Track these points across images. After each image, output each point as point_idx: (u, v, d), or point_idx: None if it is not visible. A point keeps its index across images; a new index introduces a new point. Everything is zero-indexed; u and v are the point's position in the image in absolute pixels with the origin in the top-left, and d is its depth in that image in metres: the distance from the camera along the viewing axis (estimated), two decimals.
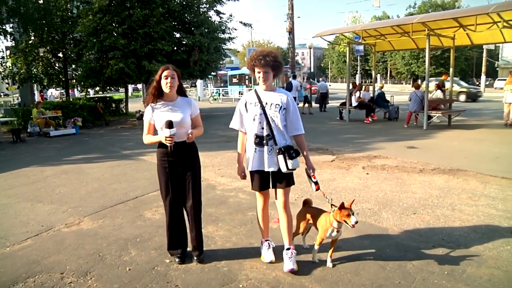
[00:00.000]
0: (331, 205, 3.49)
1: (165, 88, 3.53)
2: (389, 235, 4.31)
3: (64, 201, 5.89)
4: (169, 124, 3.38)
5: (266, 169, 3.46)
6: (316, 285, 3.28)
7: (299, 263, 3.57)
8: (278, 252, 3.70)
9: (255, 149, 3.47)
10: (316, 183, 3.43)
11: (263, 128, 3.43)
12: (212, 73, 21.38)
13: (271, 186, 3.57)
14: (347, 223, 3.32)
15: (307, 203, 3.91)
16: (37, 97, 23.72)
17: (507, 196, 5.54)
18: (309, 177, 3.51)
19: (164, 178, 3.66)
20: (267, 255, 3.70)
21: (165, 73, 3.53)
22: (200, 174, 3.80)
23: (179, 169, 3.62)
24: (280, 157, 3.35)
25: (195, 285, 3.34)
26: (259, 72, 3.39)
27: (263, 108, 3.42)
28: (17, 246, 4.29)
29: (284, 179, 3.47)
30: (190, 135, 3.50)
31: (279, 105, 3.41)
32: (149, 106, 3.61)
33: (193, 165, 3.70)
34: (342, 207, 3.34)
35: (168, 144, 3.43)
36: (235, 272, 3.54)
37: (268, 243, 3.73)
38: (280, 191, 3.53)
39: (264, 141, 3.43)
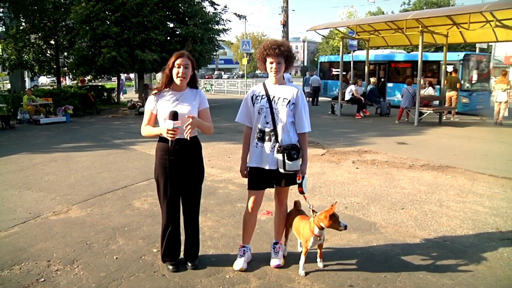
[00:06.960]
0: (312, 211, 3.33)
1: (176, 79, 3.16)
2: (376, 229, 4.35)
3: (53, 188, 5.85)
4: (174, 115, 3.02)
5: (265, 167, 3.27)
6: (303, 277, 3.31)
7: (285, 255, 3.60)
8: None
9: (257, 144, 3.29)
10: (300, 185, 3.25)
11: (267, 123, 3.24)
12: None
13: (271, 185, 3.36)
14: (338, 229, 3.19)
15: (295, 205, 3.61)
16: (28, 84, 23.44)
17: (494, 193, 5.61)
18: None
19: (163, 179, 3.28)
20: (238, 262, 3.45)
21: (178, 61, 3.14)
22: (203, 176, 3.47)
23: (181, 169, 3.26)
24: (279, 156, 3.16)
25: (182, 275, 3.34)
26: (271, 63, 3.19)
27: (269, 101, 3.24)
28: (3, 233, 4.26)
29: (283, 179, 3.28)
30: (192, 119, 3.06)
31: (287, 99, 3.22)
32: (153, 94, 3.28)
33: (197, 166, 3.36)
34: (332, 216, 3.12)
35: (170, 138, 3.05)
36: (222, 263, 3.55)
37: (244, 250, 3.50)
38: (278, 189, 3.42)
39: (267, 137, 3.24)
